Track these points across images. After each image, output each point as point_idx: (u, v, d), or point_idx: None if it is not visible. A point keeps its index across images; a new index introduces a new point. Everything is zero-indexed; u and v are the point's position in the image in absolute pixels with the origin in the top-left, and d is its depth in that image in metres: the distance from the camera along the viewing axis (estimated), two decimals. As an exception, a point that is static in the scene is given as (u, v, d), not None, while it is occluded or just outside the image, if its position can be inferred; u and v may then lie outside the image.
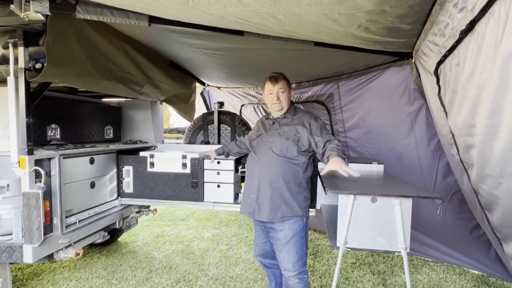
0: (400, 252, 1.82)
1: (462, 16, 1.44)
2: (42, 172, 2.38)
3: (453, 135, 2.19)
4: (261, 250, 2.56)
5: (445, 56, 1.83)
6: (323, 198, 2.86)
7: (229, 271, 3.52)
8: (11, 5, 1.95)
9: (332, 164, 1.94)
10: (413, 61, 2.75)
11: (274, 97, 2.36)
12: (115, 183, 3.35)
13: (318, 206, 2.89)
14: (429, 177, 3.25)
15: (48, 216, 2.50)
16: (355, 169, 1.89)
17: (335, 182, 2.16)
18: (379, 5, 1.58)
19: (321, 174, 2.08)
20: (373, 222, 1.86)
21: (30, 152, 2.33)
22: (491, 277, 3.33)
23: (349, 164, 2.70)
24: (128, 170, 3.36)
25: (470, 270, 3.47)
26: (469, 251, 3.38)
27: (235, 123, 4.30)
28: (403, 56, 2.82)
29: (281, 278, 2.56)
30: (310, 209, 2.82)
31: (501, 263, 3.16)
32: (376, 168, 2.76)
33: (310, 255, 3.99)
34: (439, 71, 2.05)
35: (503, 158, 1.56)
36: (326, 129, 2.36)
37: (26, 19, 2.03)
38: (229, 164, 3.15)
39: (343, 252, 1.89)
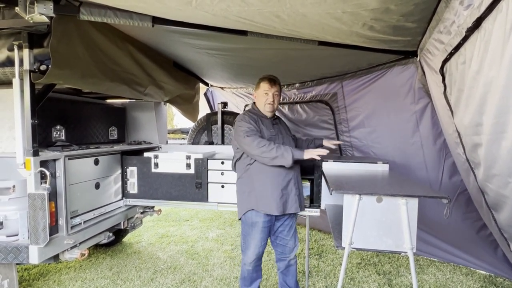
0: (406, 252, 1.81)
1: (468, 13, 1.42)
2: (48, 173, 2.39)
3: (459, 134, 2.16)
4: (261, 252, 2.52)
5: (451, 54, 1.81)
6: (327, 198, 2.85)
7: (233, 272, 3.51)
8: (16, 8, 1.96)
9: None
10: (418, 59, 2.72)
11: (269, 98, 2.50)
12: (119, 183, 3.37)
13: (322, 206, 2.88)
14: (435, 176, 3.22)
15: (54, 217, 2.52)
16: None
17: (340, 181, 2.15)
18: (384, 3, 1.56)
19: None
20: (378, 222, 1.84)
21: (35, 154, 2.35)
22: (499, 277, 3.29)
23: (353, 164, 2.76)
24: (132, 171, 3.37)
25: (477, 270, 3.43)
26: (476, 251, 3.35)
27: (239, 123, 4.29)
28: (408, 54, 2.80)
29: None
30: (314, 209, 2.90)
31: (509, 263, 3.12)
32: (381, 168, 2.74)
33: (314, 255, 3.98)
34: (444, 69, 2.02)
35: (511, 157, 1.54)
36: None
37: (31, 21, 2.04)
38: (233, 164, 3.15)
39: (348, 253, 1.87)
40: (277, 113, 2.80)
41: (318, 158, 2.25)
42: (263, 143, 2.28)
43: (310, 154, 2.24)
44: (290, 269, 2.66)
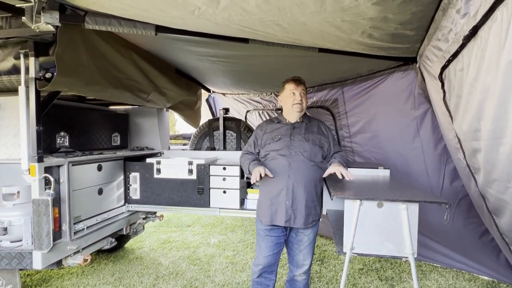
0: (407, 257, 1.81)
1: (465, 22, 1.45)
2: (52, 179, 2.42)
3: (459, 139, 2.18)
4: (266, 263, 2.40)
5: (449, 61, 1.84)
6: (329, 203, 2.85)
7: (235, 277, 3.51)
8: (23, 17, 2.02)
9: (331, 167, 2.21)
10: (417, 65, 2.75)
11: (297, 97, 2.36)
12: (122, 189, 3.39)
13: (324, 212, 2.88)
14: (436, 181, 3.23)
15: (57, 222, 2.53)
16: (354, 174, 2.16)
17: (341, 187, 2.17)
18: (382, 12, 1.60)
19: (323, 176, 2.32)
20: (379, 227, 1.86)
21: (40, 160, 2.38)
22: (502, 283, 3.27)
23: (355, 169, 2.74)
24: (135, 177, 3.39)
25: (480, 276, 3.41)
26: (479, 256, 3.33)
27: (241, 129, 4.33)
28: (408, 61, 2.83)
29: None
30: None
31: (511, 269, 3.11)
32: (382, 173, 2.75)
33: (316, 261, 3.97)
34: (443, 76, 2.05)
35: (509, 162, 1.56)
36: (335, 139, 2.57)
37: (37, 30, 2.09)
38: (235, 170, 3.16)
39: (350, 258, 1.88)
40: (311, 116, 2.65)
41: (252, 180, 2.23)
42: (242, 158, 2.53)
43: (254, 174, 2.21)
44: (296, 284, 2.54)
